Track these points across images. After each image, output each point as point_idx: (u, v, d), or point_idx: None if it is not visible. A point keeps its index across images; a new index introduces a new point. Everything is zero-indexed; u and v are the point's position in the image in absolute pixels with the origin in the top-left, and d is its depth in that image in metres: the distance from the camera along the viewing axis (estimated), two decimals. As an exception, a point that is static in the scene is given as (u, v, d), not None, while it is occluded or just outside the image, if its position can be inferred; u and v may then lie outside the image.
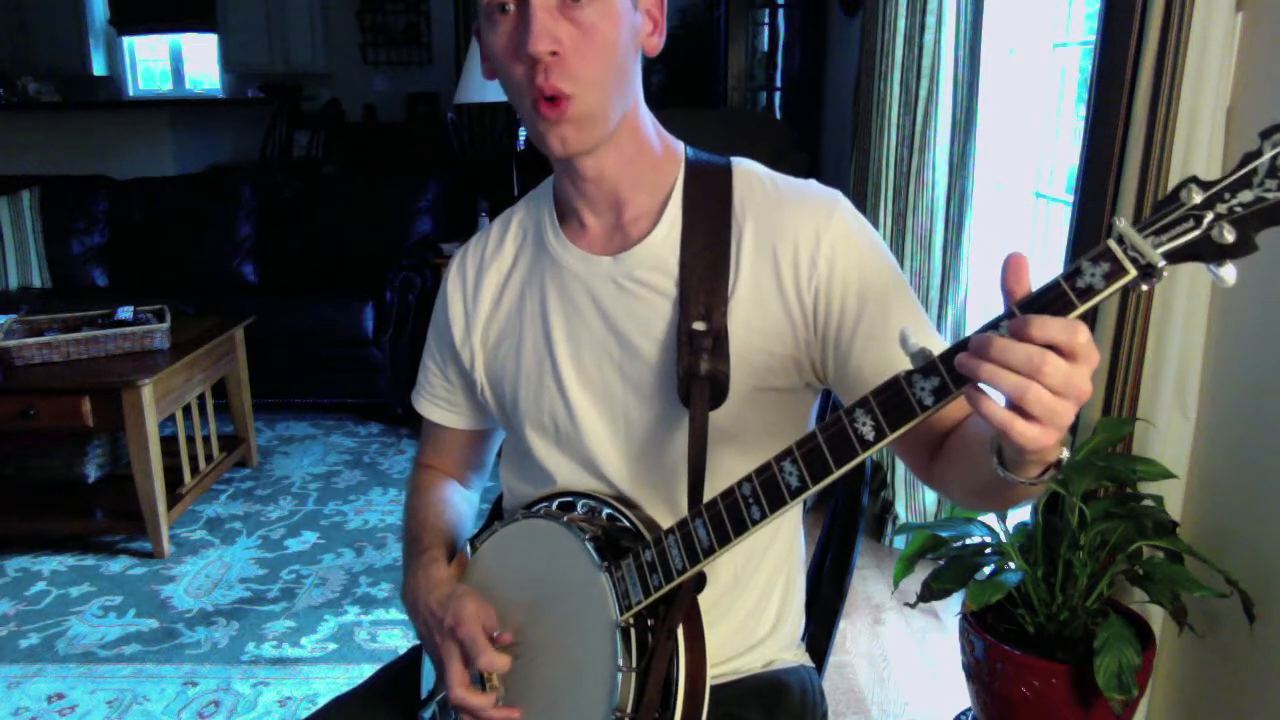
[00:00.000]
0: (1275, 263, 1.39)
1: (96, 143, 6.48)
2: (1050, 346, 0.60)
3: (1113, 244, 0.60)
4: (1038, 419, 0.61)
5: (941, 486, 0.88)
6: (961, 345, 0.65)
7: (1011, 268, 0.63)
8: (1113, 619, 1.52)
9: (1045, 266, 2.28)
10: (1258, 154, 0.56)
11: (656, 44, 0.93)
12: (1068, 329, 0.60)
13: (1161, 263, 0.59)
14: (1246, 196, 0.57)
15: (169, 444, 2.86)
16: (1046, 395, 0.60)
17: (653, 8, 0.92)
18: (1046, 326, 0.60)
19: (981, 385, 0.63)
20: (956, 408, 0.85)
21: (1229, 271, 0.58)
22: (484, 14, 0.88)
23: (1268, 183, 0.56)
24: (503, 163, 5.29)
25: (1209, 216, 0.58)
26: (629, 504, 0.95)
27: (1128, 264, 0.59)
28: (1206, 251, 0.58)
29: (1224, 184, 0.57)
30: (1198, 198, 0.58)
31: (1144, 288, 0.60)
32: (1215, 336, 1.57)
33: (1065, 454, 0.68)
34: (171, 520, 2.80)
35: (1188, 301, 1.56)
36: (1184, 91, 1.48)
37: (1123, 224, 0.59)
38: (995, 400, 0.63)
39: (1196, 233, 0.58)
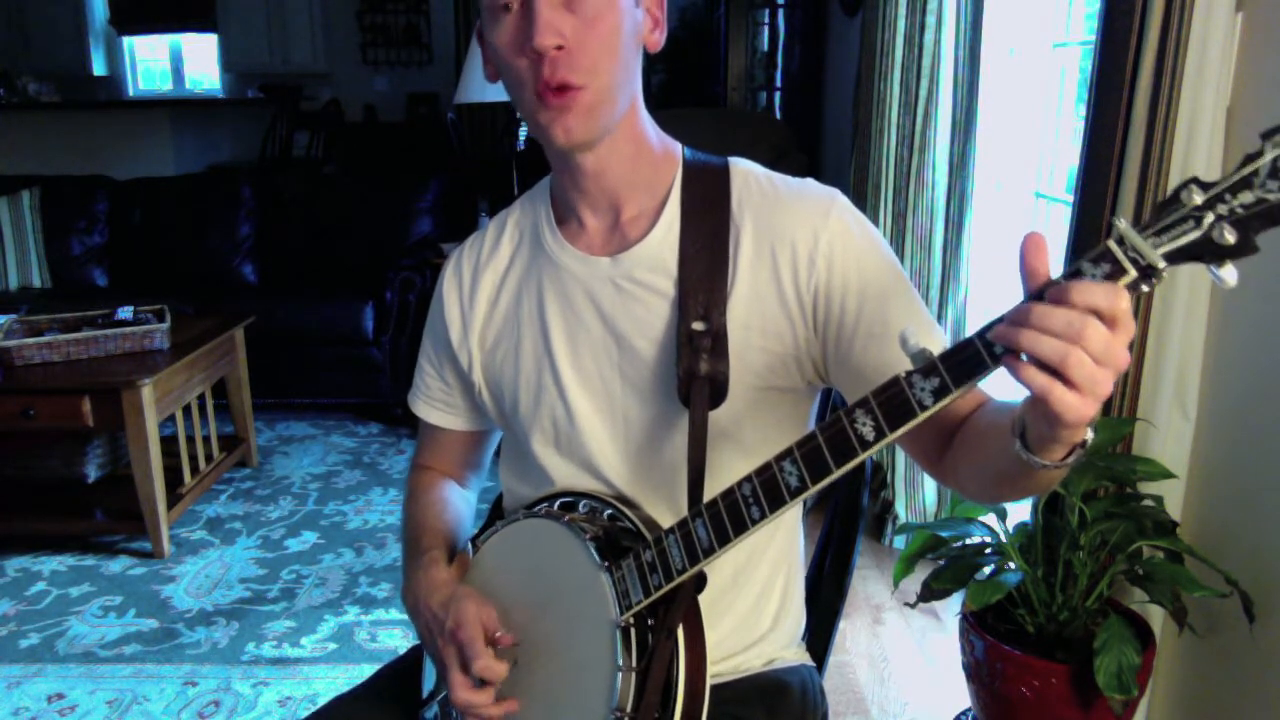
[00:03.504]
0: (1275, 263, 1.39)
1: (96, 143, 6.47)
2: (1092, 312, 0.59)
3: (1113, 245, 0.60)
4: (1078, 386, 0.60)
5: (953, 478, 0.87)
6: (962, 346, 0.65)
7: (1031, 246, 0.62)
8: (1113, 619, 1.52)
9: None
10: (1258, 155, 0.56)
11: (658, 40, 0.93)
12: (1110, 294, 0.59)
13: (1162, 264, 0.59)
14: (1247, 198, 0.56)
15: (169, 444, 2.86)
16: (1088, 362, 0.59)
17: (653, 6, 0.92)
18: (1089, 291, 0.59)
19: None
20: (964, 400, 0.85)
21: (1230, 273, 0.58)
22: (487, 13, 0.88)
23: (1269, 184, 0.56)
24: (503, 163, 5.29)
25: (1209, 218, 0.57)
26: (629, 504, 0.95)
27: (1128, 265, 0.59)
28: (1207, 253, 0.58)
29: (1225, 185, 0.57)
30: (1198, 199, 0.58)
31: (1144, 289, 0.60)
32: (1215, 336, 1.57)
33: (1090, 435, 0.67)
34: (171, 520, 2.80)
35: (1188, 301, 1.56)
36: (1184, 91, 1.47)
37: (1123, 225, 0.59)
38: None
39: (1197, 234, 0.58)
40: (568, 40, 0.84)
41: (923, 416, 0.67)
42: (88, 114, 6.67)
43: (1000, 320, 0.63)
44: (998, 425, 0.77)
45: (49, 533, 2.84)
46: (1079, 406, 0.60)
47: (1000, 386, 0.80)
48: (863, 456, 0.71)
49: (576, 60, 0.84)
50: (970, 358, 0.65)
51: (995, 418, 0.80)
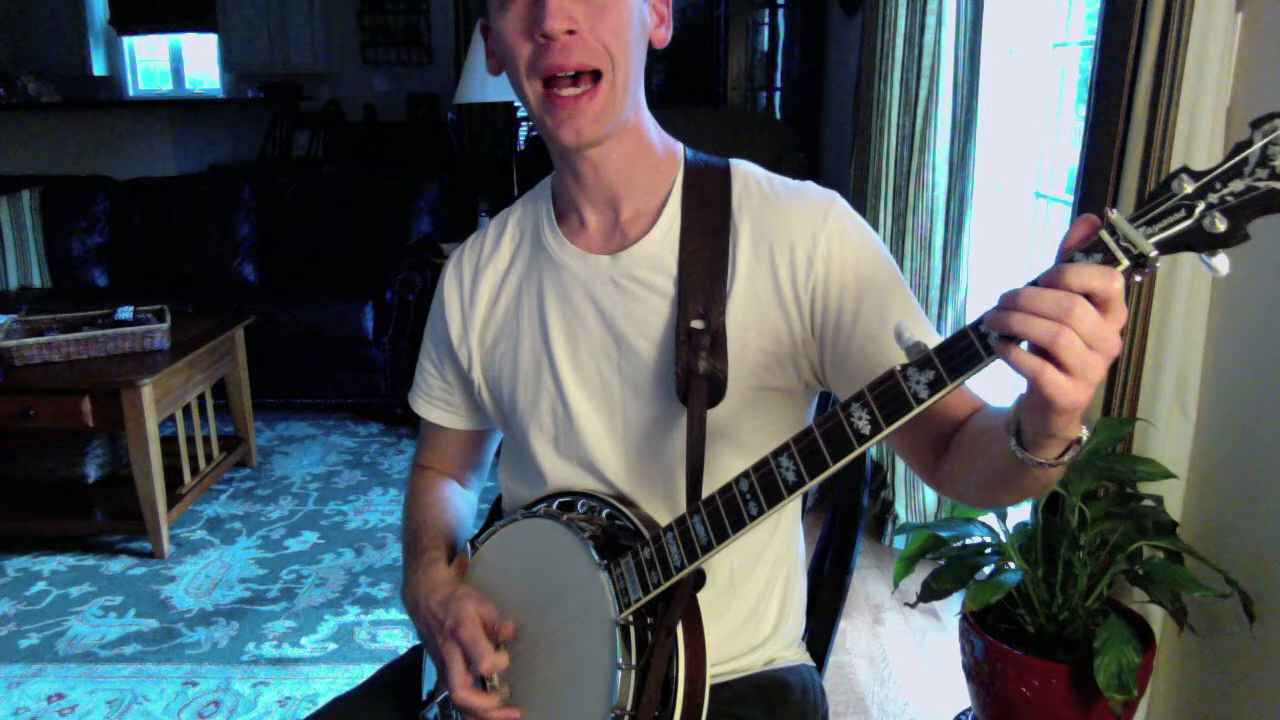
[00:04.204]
0: (1274, 262, 1.39)
1: (96, 143, 6.47)
2: (1084, 294, 0.59)
3: (1104, 234, 0.60)
4: (1069, 369, 0.60)
5: (950, 484, 0.87)
6: (957, 338, 0.65)
7: (1079, 224, 0.62)
8: (1113, 619, 1.51)
9: (1044, 266, 2.28)
10: (1248, 144, 0.56)
11: (663, 36, 0.94)
12: (1101, 274, 0.59)
13: (1153, 252, 0.59)
14: (1237, 186, 0.57)
15: (169, 444, 2.86)
16: (1079, 343, 0.59)
17: (658, 2, 0.93)
18: (1080, 272, 0.59)
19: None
20: (959, 405, 0.85)
21: (1221, 261, 0.58)
22: (494, 3, 0.88)
23: (1258, 172, 0.56)
24: (503, 163, 5.30)
25: (1200, 206, 0.58)
26: (628, 503, 0.95)
27: (1120, 254, 0.59)
28: (1198, 241, 0.58)
29: (1215, 174, 0.57)
30: (1189, 188, 0.58)
31: (1137, 278, 0.60)
32: (1215, 336, 1.57)
33: (1085, 433, 0.67)
34: (171, 520, 2.80)
35: (1188, 301, 1.56)
36: (1184, 91, 1.47)
37: (1115, 214, 0.60)
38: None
39: (1188, 222, 0.58)
40: (579, 25, 0.84)
41: (919, 409, 0.67)
42: (88, 114, 6.67)
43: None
44: (993, 428, 0.77)
45: (49, 533, 2.84)
46: (1070, 390, 0.60)
47: (998, 390, 0.80)
48: (859, 450, 0.71)
49: (588, 44, 0.85)
50: (965, 349, 0.65)
51: (991, 421, 0.80)
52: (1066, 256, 0.61)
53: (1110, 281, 0.59)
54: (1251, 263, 1.41)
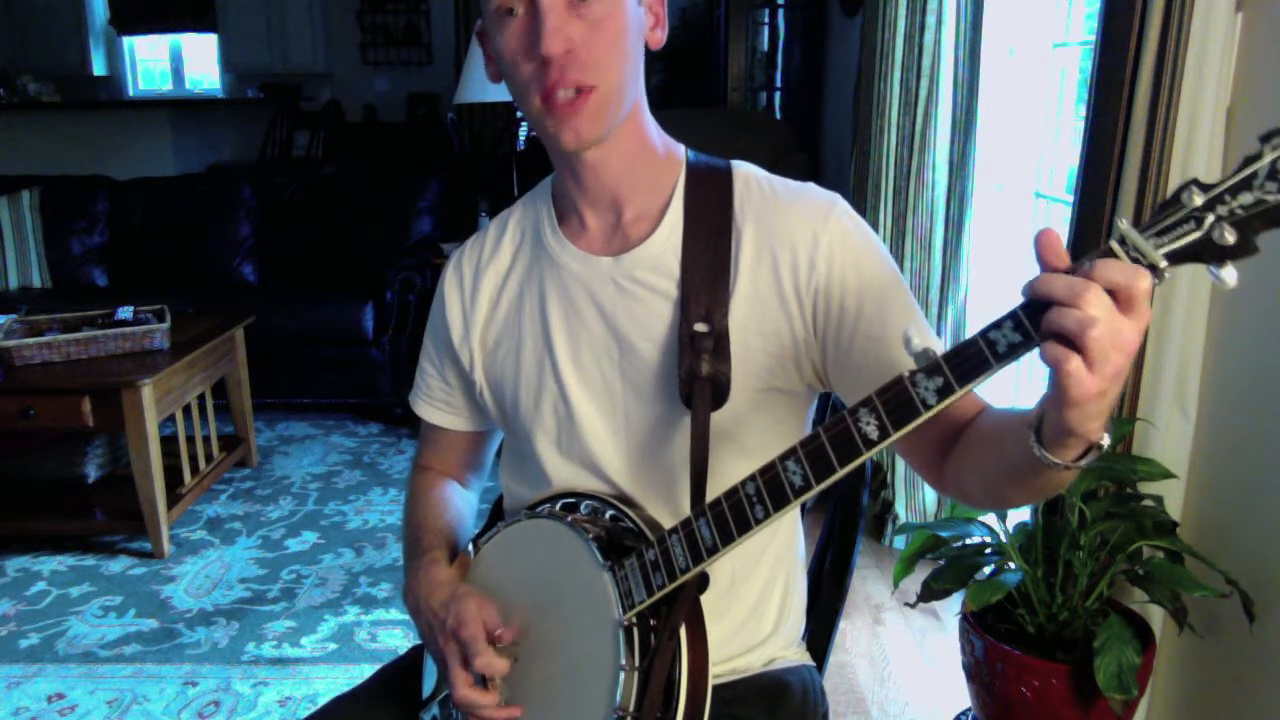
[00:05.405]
0: (1275, 264, 1.39)
1: (96, 143, 6.48)
2: (1111, 288, 0.59)
3: (1115, 245, 0.60)
4: (1090, 360, 0.60)
5: (953, 484, 0.87)
6: (966, 345, 0.65)
7: (1047, 243, 0.62)
8: (1113, 619, 1.52)
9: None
10: (1258, 157, 0.56)
11: (659, 38, 0.94)
12: (1131, 271, 0.59)
13: (1163, 263, 0.59)
14: (1247, 199, 0.57)
15: (169, 444, 2.86)
16: (1105, 336, 0.59)
17: (654, 3, 0.93)
18: (1109, 267, 0.59)
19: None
20: (964, 406, 0.85)
21: (1230, 273, 0.58)
22: (491, 16, 0.88)
23: (1268, 185, 0.56)
24: (503, 163, 5.30)
25: (1210, 218, 0.58)
26: (631, 504, 0.96)
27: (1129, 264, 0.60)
28: (1207, 253, 0.58)
29: (1225, 186, 0.58)
30: (1199, 200, 0.58)
31: None
32: (1215, 336, 1.57)
33: (1106, 439, 0.67)
34: (171, 520, 2.80)
35: (1188, 301, 1.56)
36: (1184, 91, 1.48)
37: (1125, 225, 0.60)
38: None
39: (1198, 234, 0.58)
40: (575, 44, 0.84)
41: (926, 415, 0.68)
42: (88, 114, 6.68)
43: (1010, 312, 0.64)
44: (1004, 426, 0.77)
45: (49, 533, 2.84)
46: (1086, 380, 0.61)
47: (1001, 392, 0.80)
48: (866, 455, 0.71)
49: (584, 61, 0.85)
50: (973, 356, 0.65)
51: (1001, 420, 0.81)
52: (1077, 265, 0.61)
53: (1136, 278, 0.59)
54: (1251, 263, 1.40)
